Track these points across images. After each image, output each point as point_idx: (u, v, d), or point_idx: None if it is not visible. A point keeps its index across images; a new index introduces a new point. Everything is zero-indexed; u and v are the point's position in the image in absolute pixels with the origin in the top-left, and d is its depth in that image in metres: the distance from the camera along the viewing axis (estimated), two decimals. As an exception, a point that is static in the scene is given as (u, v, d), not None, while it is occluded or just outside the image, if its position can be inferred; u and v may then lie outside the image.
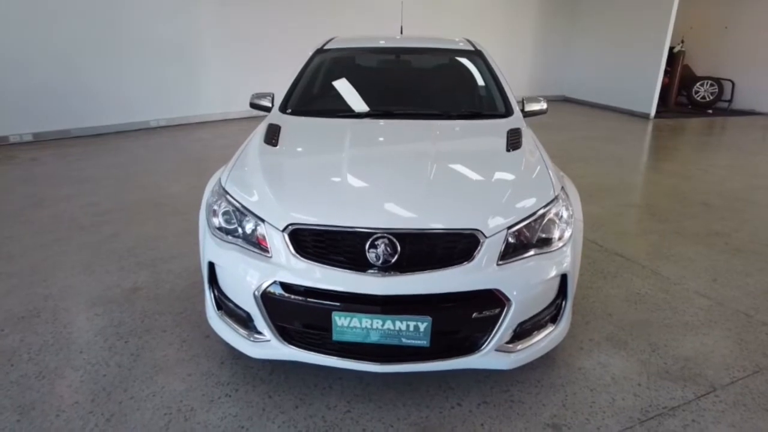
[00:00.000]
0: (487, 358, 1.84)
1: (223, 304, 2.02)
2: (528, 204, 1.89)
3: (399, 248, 1.71)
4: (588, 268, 3.05)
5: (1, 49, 6.01)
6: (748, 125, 8.45)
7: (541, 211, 1.88)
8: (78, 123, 6.79)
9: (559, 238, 1.92)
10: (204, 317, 2.50)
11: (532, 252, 1.85)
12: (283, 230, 1.78)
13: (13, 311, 2.55)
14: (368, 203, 1.88)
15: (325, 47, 3.35)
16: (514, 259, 1.80)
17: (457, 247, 1.76)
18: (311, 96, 3.03)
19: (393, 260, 1.72)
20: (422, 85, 3.13)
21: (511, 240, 1.80)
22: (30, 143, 6.39)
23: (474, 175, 2.08)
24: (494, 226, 1.77)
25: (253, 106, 3.13)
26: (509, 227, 1.79)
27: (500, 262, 1.77)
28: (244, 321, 1.94)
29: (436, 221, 1.77)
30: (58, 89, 6.50)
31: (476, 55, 3.24)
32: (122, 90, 7.05)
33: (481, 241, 1.75)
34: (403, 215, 1.80)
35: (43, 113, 6.48)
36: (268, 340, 1.88)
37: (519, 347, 1.89)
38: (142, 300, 2.66)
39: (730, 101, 10.08)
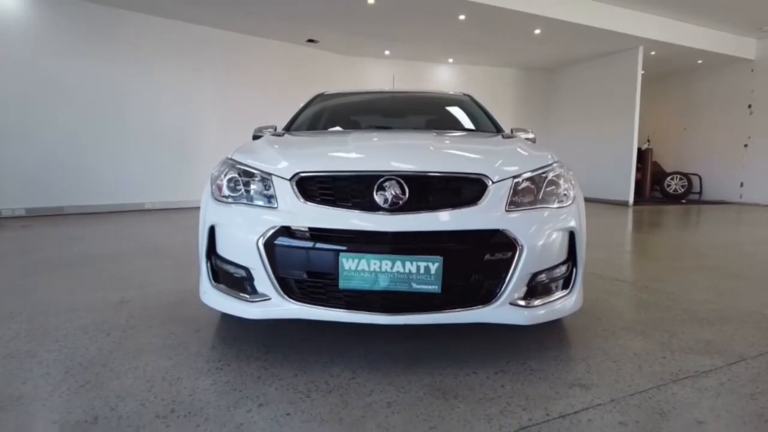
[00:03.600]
0: (502, 310, 1.74)
1: (221, 271, 1.92)
2: (529, 162, 1.94)
3: (407, 191, 1.71)
4: (591, 289, 2.96)
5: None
6: (722, 209, 8.88)
7: (543, 169, 1.93)
8: (72, 201, 6.89)
9: (564, 197, 1.93)
10: (195, 316, 2.37)
11: (538, 206, 1.86)
12: (291, 179, 1.79)
13: (-15, 316, 2.36)
14: (375, 154, 1.92)
15: (325, 93, 3.62)
16: (521, 208, 1.80)
17: (465, 191, 1.77)
18: (312, 123, 3.19)
19: (401, 203, 1.70)
20: (417, 114, 3.34)
21: (516, 195, 1.81)
22: (22, 217, 6.38)
23: (474, 148, 2.16)
24: (500, 173, 1.80)
25: (256, 138, 3.27)
26: (514, 177, 1.83)
27: (508, 209, 1.77)
28: (242, 283, 1.83)
29: (444, 166, 1.81)
30: (53, 168, 6.70)
31: (466, 96, 3.53)
32: (118, 172, 7.28)
33: (488, 185, 1.76)
34: (410, 163, 1.82)
35: (38, 190, 6.59)
36: (269, 298, 1.77)
37: (533, 303, 1.80)
38: (128, 308, 2.50)
39: (700, 193, 10.70)
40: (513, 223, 1.74)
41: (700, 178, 10.76)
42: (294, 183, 1.78)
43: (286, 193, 1.78)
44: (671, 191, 10.77)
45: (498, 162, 1.88)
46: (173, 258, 3.77)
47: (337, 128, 3.01)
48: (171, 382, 1.66)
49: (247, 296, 1.81)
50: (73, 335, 2.10)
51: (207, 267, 1.96)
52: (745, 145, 10.05)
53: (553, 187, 1.93)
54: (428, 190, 1.76)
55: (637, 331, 2.21)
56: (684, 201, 10.43)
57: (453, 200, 1.75)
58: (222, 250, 1.90)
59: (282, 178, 1.80)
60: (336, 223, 1.70)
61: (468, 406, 1.51)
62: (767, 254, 4.33)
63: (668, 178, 10.85)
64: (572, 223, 1.89)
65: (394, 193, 1.70)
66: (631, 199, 9.36)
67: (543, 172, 1.92)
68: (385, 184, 1.72)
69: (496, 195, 1.76)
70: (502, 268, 1.73)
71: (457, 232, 1.70)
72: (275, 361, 1.84)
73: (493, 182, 1.77)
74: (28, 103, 6.51)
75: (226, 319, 2.29)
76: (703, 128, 10.84)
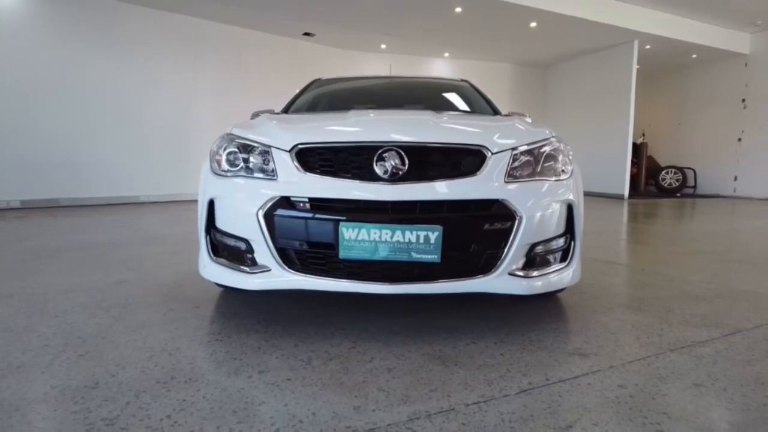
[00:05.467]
0: (501, 280, 1.75)
1: (220, 245, 1.92)
2: (528, 136, 1.95)
3: (407, 162, 1.72)
4: (588, 272, 2.98)
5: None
6: (716, 202, 8.94)
7: (541, 143, 1.94)
8: (67, 194, 6.85)
9: (562, 172, 1.94)
10: (195, 295, 2.38)
11: (536, 178, 1.87)
12: (290, 150, 1.79)
13: (-18, 296, 2.35)
14: (374, 126, 1.92)
15: (322, 78, 3.62)
16: (520, 180, 1.81)
17: (464, 161, 1.78)
18: (310, 108, 3.18)
19: (401, 173, 1.71)
20: (415, 97, 3.33)
21: (514, 165, 1.82)
22: (17, 209, 6.35)
23: (473, 120, 2.17)
24: (499, 145, 1.81)
25: (254, 120, 3.27)
26: (512, 149, 1.83)
27: (507, 180, 1.78)
28: (242, 255, 1.83)
29: (443, 137, 1.81)
30: (49, 161, 6.67)
31: (464, 82, 3.53)
32: (113, 165, 7.25)
33: (487, 156, 1.77)
34: (409, 135, 1.82)
35: (33, 182, 6.55)
36: (269, 270, 1.77)
37: (532, 274, 1.81)
38: (127, 288, 2.49)
39: (694, 187, 10.77)
40: (512, 193, 1.75)
41: (695, 172, 10.82)
42: (294, 154, 1.78)
43: (285, 164, 1.78)
44: (666, 185, 10.84)
45: (497, 135, 1.88)
46: (171, 245, 3.76)
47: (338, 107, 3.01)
48: (171, 352, 1.66)
49: (247, 268, 1.81)
50: (72, 311, 2.09)
51: (206, 241, 1.96)
52: (739, 139, 10.12)
53: (552, 161, 1.94)
54: (428, 161, 1.76)
55: (635, 308, 2.22)
56: (679, 195, 10.50)
57: (452, 171, 1.76)
58: (221, 223, 1.90)
59: (281, 149, 1.80)
60: (336, 193, 1.70)
61: (468, 372, 1.52)
62: (761, 241, 4.37)
63: (663, 172, 10.92)
64: (570, 196, 1.90)
65: (393, 163, 1.71)
66: (626, 193, 9.41)
67: (541, 146, 1.93)
68: (384, 155, 1.72)
69: (495, 166, 1.77)
70: (501, 238, 1.74)
71: (457, 202, 1.70)
72: (275, 333, 1.84)
73: (492, 153, 1.78)
74: (24, 95, 6.47)
75: (226, 296, 2.30)
76: (698, 123, 10.91)
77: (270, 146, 1.84)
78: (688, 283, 2.71)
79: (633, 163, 10.05)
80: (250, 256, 1.81)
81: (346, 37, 8.96)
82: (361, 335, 1.82)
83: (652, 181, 11.11)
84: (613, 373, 1.52)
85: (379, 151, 1.72)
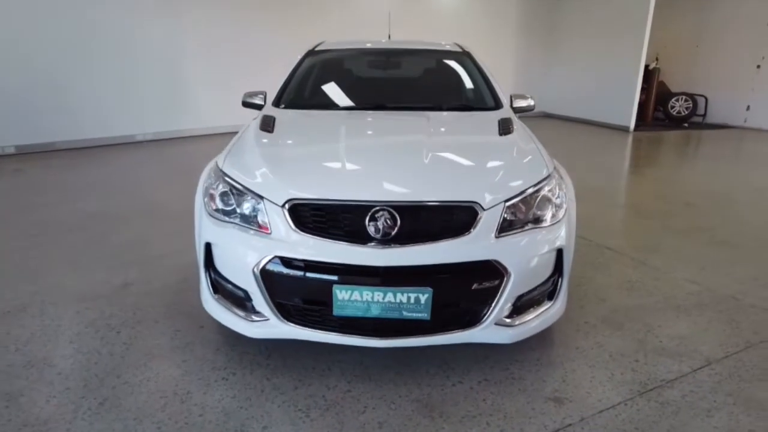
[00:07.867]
0: (488, 331, 1.85)
1: (220, 286, 1.99)
2: (523, 180, 1.92)
3: (399, 221, 1.72)
4: (579, 260, 3.05)
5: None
6: (722, 137, 8.75)
7: (536, 187, 1.92)
8: (62, 136, 6.72)
9: (554, 215, 1.95)
10: (198, 308, 2.46)
11: (528, 227, 1.88)
12: (283, 206, 1.79)
13: (-2, 307, 2.48)
14: (367, 179, 1.90)
15: (316, 49, 3.42)
16: (511, 232, 1.83)
17: (455, 219, 1.78)
18: (303, 92, 3.06)
19: (393, 233, 1.72)
20: (412, 82, 3.19)
21: (507, 215, 1.82)
22: (13, 155, 6.29)
23: (468, 156, 2.12)
24: (491, 199, 1.80)
25: (246, 104, 3.16)
26: (506, 201, 1.82)
27: (498, 235, 1.79)
28: (241, 301, 1.91)
29: (435, 194, 1.80)
30: (42, 103, 6.43)
31: (464, 56, 3.33)
32: (107, 103, 7.00)
33: (479, 213, 1.77)
34: (402, 189, 1.81)
35: (26, 126, 6.40)
36: (267, 319, 1.86)
37: (518, 322, 1.90)
38: (132, 295, 2.61)
39: (704, 116, 10.45)
40: (502, 251, 1.77)
41: (706, 100, 10.43)
42: (287, 210, 1.78)
43: (278, 219, 1.79)
44: (675, 113, 10.50)
45: (490, 185, 1.86)
46: (171, 220, 3.81)
47: (330, 106, 2.91)
48: (182, 399, 1.81)
49: (247, 315, 1.91)
50: (86, 334, 2.23)
51: (206, 278, 2.03)
52: (758, 66, 9.61)
53: (546, 204, 1.94)
54: (419, 219, 1.77)
55: (616, 325, 2.34)
56: (686, 125, 10.22)
57: (443, 229, 1.76)
58: (220, 267, 1.96)
59: (274, 203, 1.80)
60: (329, 256, 1.73)
61: (452, 427, 1.68)
62: (756, 210, 4.39)
63: (673, 99, 10.51)
64: (561, 242, 1.93)
65: (386, 223, 1.72)
66: (632, 125, 9.15)
67: (536, 190, 1.91)
68: (377, 215, 1.73)
69: (486, 223, 1.77)
70: (490, 294, 1.80)
71: (447, 265, 1.74)
72: (276, 369, 1.98)
73: (484, 209, 1.78)
74: (13, 35, 6.08)
75: (228, 312, 2.41)
76: (717, 46, 10.26)
77: (262, 197, 1.83)
78: (674, 282, 2.81)
79: (642, 89, 9.65)
80: (249, 303, 1.89)
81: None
82: (355, 371, 1.97)
83: (660, 108, 10.75)
84: (582, 429, 1.68)
85: (372, 211, 1.73)
